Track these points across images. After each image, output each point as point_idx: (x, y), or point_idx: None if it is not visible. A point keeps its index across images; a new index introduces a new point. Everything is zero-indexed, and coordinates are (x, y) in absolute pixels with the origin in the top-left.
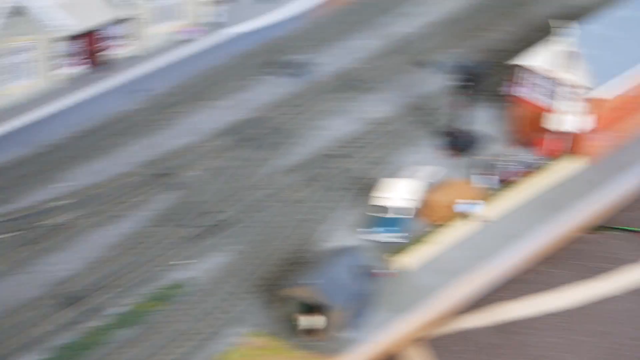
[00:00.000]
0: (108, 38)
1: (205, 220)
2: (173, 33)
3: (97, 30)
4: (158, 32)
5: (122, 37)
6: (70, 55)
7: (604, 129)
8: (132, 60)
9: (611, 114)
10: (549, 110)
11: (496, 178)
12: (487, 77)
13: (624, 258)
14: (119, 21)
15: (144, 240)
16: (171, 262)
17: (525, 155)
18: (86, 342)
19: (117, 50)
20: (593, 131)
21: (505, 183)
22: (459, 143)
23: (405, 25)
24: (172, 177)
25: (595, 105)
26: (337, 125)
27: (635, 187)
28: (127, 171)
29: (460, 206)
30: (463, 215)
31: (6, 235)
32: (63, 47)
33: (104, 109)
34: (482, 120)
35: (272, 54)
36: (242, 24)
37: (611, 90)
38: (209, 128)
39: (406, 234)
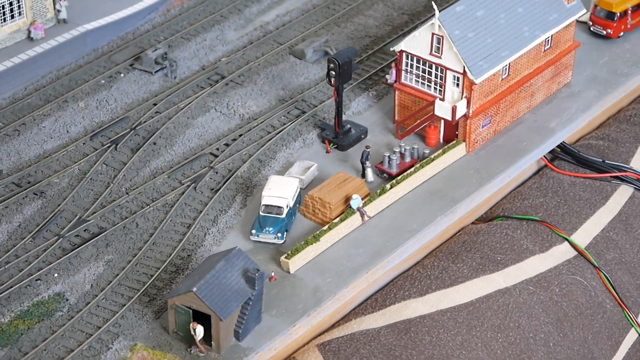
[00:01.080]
0: None
1: (76, 230)
2: (18, 32)
3: None
4: (3, 31)
5: None
6: None
7: (484, 114)
8: None
9: (488, 98)
10: (431, 97)
11: (379, 170)
12: (359, 65)
13: (522, 248)
14: None
15: (11, 253)
16: (42, 276)
17: (410, 145)
18: None
19: None
20: (475, 117)
21: (392, 175)
22: (340, 136)
23: (274, 13)
24: (36, 185)
25: (474, 89)
26: (211, 123)
27: (527, 174)
28: None
29: (348, 202)
30: (349, 212)
31: None
32: None
33: None
34: (362, 110)
35: (131, 50)
36: (91, 19)
37: (488, 73)
38: (72, 131)
39: (284, 234)
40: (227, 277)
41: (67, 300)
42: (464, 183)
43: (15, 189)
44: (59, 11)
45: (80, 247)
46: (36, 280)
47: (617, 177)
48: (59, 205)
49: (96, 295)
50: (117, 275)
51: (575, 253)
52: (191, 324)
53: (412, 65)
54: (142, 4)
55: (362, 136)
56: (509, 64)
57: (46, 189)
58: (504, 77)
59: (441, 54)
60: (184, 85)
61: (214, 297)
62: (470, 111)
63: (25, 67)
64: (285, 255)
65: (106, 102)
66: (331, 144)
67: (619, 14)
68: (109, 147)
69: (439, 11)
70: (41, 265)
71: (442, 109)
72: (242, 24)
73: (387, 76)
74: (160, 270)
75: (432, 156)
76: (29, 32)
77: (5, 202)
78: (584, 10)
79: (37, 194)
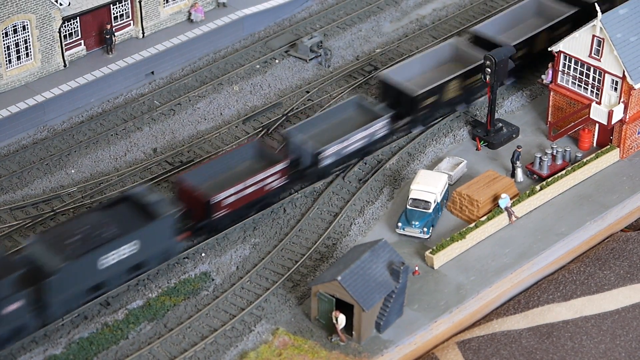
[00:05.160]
0: (114, 18)
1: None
2: (179, 13)
3: (101, 8)
4: (165, 12)
5: (128, 16)
6: (73, 35)
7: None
8: (139, 41)
9: None
10: (588, 100)
11: (529, 171)
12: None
13: None
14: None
15: None
16: (190, 255)
17: (562, 148)
18: (104, 337)
19: (123, 31)
20: (631, 122)
21: (542, 177)
22: (491, 134)
23: (430, 7)
24: (189, 164)
25: (633, 94)
26: None
27: None
28: (141, 158)
29: (496, 201)
30: (497, 211)
31: (15, 224)
32: (65, 26)
33: (112, 92)
34: (515, 109)
35: (286, 37)
36: (250, 4)
37: None
38: (225, 113)
39: (429, 229)
40: (372, 268)
41: (212, 280)
42: (616, 189)
43: (168, 167)
44: None
45: (228, 229)
46: (184, 258)
47: None
48: None
49: (241, 277)
50: (263, 259)
51: None
52: (333, 313)
53: (569, 67)
54: None
55: (514, 135)
56: None
57: None
58: None
59: (601, 56)
60: (337, 75)
61: (358, 287)
62: (627, 116)
63: (183, 48)
64: (430, 250)
65: (260, 87)
66: (482, 142)
67: None
68: (260, 131)
69: (608, 13)
70: (189, 244)
71: (598, 113)
72: (398, 16)
73: (543, 76)
74: (305, 257)
75: (585, 160)
76: (190, 14)
77: (158, 180)
78: None
79: None
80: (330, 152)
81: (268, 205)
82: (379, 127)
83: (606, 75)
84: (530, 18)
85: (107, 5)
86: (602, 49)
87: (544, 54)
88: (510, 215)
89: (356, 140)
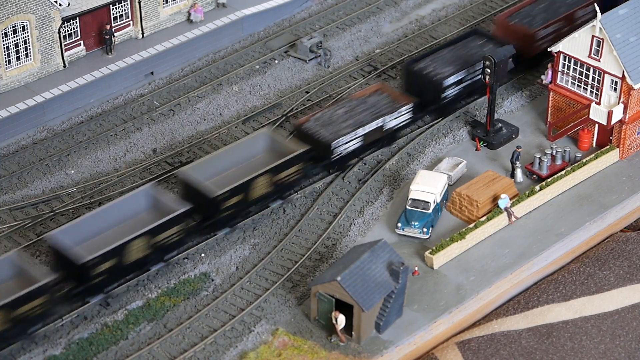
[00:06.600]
0: (113, 18)
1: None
2: (179, 13)
3: (101, 9)
4: (164, 12)
5: (127, 17)
6: (72, 36)
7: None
8: (139, 41)
9: None
10: (588, 101)
11: (529, 171)
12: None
13: None
14: (125, 0)
15: None
16: (189, 255)
17: (562, 148)
18: (104, 337)
19: (123, 31)
20: (631, 123)
21: (542, 177)
22: (491, 134)
23: (430, 7)
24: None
25: (632, 95)
26: None
27: None
28: (140, 158)
29: (496, 201)
30: (496, 211)
31: (14, 224)
32: (64, 27)
33: (112, 93)
34: (515, 110)
35: (286, 37)
36: (249, 5)
37: None
38: (225, 114)
39: (429, 230)
40: (371, 269)
41: (212, 280)
42: (616, 189)
43: (167, 168)
44: None
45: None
46: (184, 259)
47: None
48: None
49: (241, 278)
50: (263, 259)
51: None
52: (333, 313)
53: (569, 67)
54: None
55: (513, 136)
56: None
57: None
58: None
59: (600, 57)
60: (337, 75)
61: (358, 287)
62: (627, 117)
63: (183, 48)
64: (430, 250)
65: (259, 87)
66: (481, 142)
67: None
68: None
69: (608, 14)
70: (189, 245)
71: (597, 113)
72: (398, 16)
73: (543, 77)
74: (304, 257)
75: (584, 160)
76: (189, 14)
77: (158, 180)
78: None
79: None
80: None
81: None
82: None
83: (606, 75)
84: (259, 155)
85: (106, 6)
86: (602, 49)
87: (265, 198)
88: (509, 215)
89: None
